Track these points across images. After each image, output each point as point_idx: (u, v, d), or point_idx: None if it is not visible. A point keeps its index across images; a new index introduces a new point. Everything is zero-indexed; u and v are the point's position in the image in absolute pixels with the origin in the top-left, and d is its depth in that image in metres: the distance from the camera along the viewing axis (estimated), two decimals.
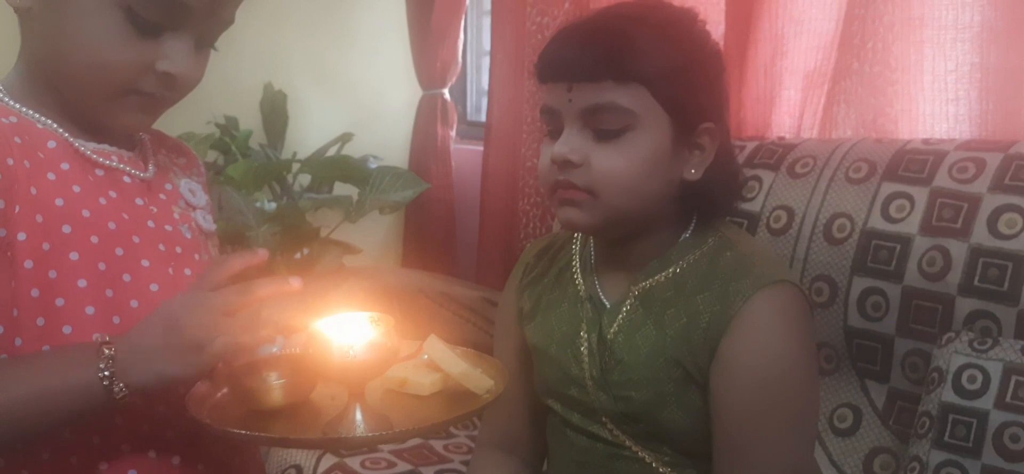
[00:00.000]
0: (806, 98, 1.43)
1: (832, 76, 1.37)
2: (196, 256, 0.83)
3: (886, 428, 1.14)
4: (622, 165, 0.86)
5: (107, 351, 0.68)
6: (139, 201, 0.80)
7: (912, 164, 1.15)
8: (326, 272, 1.75)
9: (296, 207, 1.75)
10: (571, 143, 0.87)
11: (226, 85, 1.79)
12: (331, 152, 1.98)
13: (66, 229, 0.73)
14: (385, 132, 2.30)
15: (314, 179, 1.92)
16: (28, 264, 0.71)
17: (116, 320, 0.74)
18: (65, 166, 0.75)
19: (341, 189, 2.01)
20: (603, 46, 0.86)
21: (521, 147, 1.86)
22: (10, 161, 0.71)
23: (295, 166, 1.93)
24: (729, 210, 0.97)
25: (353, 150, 2.10)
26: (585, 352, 0.94)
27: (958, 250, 1.06)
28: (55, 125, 0.76)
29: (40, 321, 0.72)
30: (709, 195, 0.92)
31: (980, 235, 1.05)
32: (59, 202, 0.73)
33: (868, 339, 1.14)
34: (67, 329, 0.72)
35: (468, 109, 2.47)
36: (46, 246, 0.72)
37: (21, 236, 0.70)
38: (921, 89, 1.27)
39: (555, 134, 0.89)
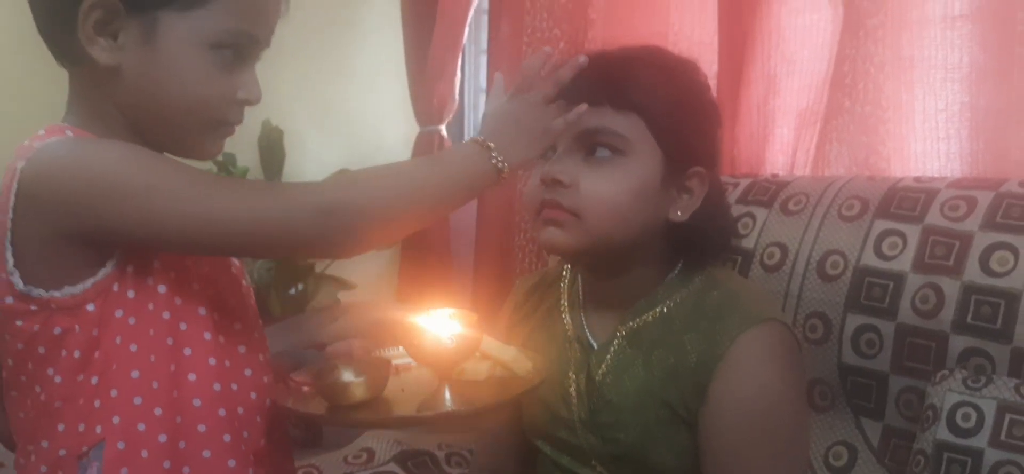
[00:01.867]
0: (799, 136, 1.44)
1: (824, 115, 1.38)
2: (243, 281, 0.91)
3: (881, 466, 1.13)
4: (610, 189, 0.87)
5: (495, 157, 0.83)
6: None
7: (904, 202, 1.16)
8: (321, 307, 1.75)
9: None
10: (562, 163, 0.89)
11: None
12: None
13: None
14: None
15: None
16: (149, 281, 0.80)
17: (220, 338, 0.83)
18: None
19: None
20: (605, 73, 0.88)
21: (516, 182, 1.87)
22: None
23: None
24: (716, 258, 0.98)
25: None
26: (574, 393, 0.94)
27: (951, 288, 1.07)
28: None
29: (166, 314, 0.81)
30: (695, 240, 0.93)
31: (972, 273, 1.06)
32: None
33: (862, 376, 1.14)
34: (183, 326, 0.81)
35: None
36: (157, 263, 0.80)
37: (161, 288, 0.80)
38: (912, 128, 1.29)
39: (547, 156, 0.90)
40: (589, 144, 0.88)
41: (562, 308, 0.99)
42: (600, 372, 0.93)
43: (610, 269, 0.93)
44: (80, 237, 0.75)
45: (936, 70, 1.25)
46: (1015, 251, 1.04)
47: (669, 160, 0.89)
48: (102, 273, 0.77)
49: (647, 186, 0.88)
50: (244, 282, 0.90)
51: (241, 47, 0.81)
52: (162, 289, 0.80)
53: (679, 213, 0.91)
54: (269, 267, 1.68)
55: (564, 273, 1.02)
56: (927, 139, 1.27)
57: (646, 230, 0.90)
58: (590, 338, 0.96)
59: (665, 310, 0.92)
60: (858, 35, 1.30)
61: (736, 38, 1.47)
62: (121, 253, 0.78)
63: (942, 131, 1.26)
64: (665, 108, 0.88)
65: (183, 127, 0.82)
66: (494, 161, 0.83)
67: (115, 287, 0.77)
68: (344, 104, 2.26)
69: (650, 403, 0.89)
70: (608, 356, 0.93)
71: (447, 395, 0.83)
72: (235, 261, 0.91)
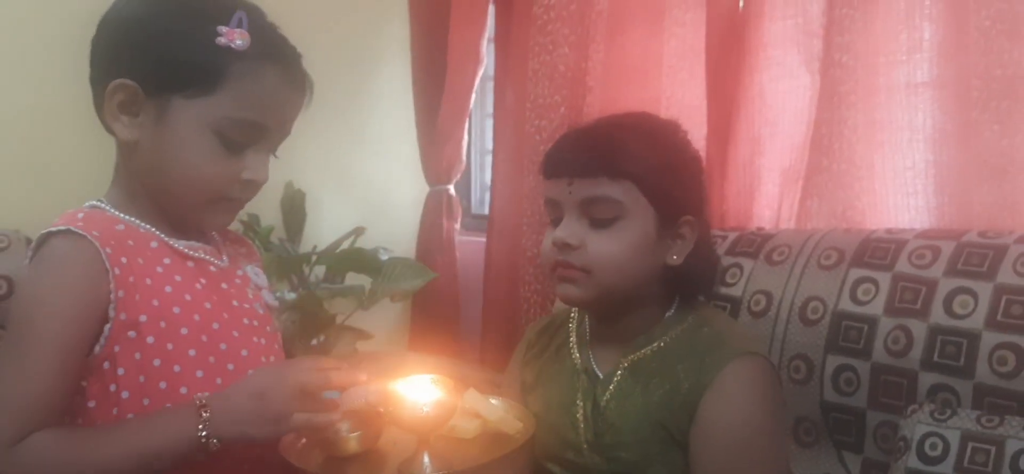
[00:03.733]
0: (783, 192, 1.55)
1: (805, 173, 1.48)
2: (268, 328, 0.99)
3: None
4: (613, 249, 1.00)
5: (205, 414, 0.83)
6: (223, 286, 0.96)
7: (876, 252, 1.26)
8: (341, 356, 1.85)
9: (314, 296, 1.85)
10: (570, 229, 1.01)
11: None
12: (345, 245, 2.09)
13: (176, 310, 0.89)
14: (394, 225, 2.42)
15: (329, 270, 2.04)
16: (150, 340, 0.87)
17: (219, 381, 0.89)
18: (167, 261, 0.91)
19: (352, 278, 2.11)
20: (600, 148, 1.01)
21: (521, 238, 1.97)
22: (124, 259, 0.87)
23: (313, 258, 2.05)
24: (707, 293, 1.10)
25: (365, 242, 2.21)
26: (581, 418, 1.05)
27: (919, 329, 1.16)
28: (154, 228, 0.92)
29: (162, 384, 0.87)
30: (689, 279, 1.05)
31: (937, 315, 1.15)
32: (168, 289, 0.89)
33: (843, 412, 1.23)
34: (183, 390, 0.88)
35: (472, 203, 2.60)
36: (163, 324, 0.88)
37: (143, 318, 0.86)
38: (884, 184, 1.39)
39: (556, 222, 1.04)
40: (591, 210, 1.01)
41: (571, 345, 1.12)
42: (604, 399, 1.04)
43: (615, 311, 1.05)
44: None
45: (903, 131, 1.36)
46: (975, 295, 1.14)
47: (661, 214, 1.02)
48: (98, 346, 0.85)
49: (644, 240, 1.01)
50: (270, 328, 0.99)
51: (247, 134, 0.89)
52: (151, 340, 0.87)
53: (675, 257, 1.04)
54: (294, 319, 1.79)
55: (572, 315, 1.15)
56: (897, 194, 1.38)
57: (646, 276, 1.03)
58: (596, 369, 1.08)
59: (662, 345, 1.04)
60: (833, 101, 1.41)
61: (723, 102, 1.58)
62: (110, 328, 0.85)
63: (910, 187, 1.37)
64: (655, 172, 1.01)
65: (185, 200, 0.91)
66: (203, 439, 0.81)
67: (116, 348, 0.86)
68: (360, 166, 2.38)
69: (647, 426, 1.00)
70: (611, 385, 1.05)
71: (426, 459, 0.89)
72: (259, 308, 0.99)
